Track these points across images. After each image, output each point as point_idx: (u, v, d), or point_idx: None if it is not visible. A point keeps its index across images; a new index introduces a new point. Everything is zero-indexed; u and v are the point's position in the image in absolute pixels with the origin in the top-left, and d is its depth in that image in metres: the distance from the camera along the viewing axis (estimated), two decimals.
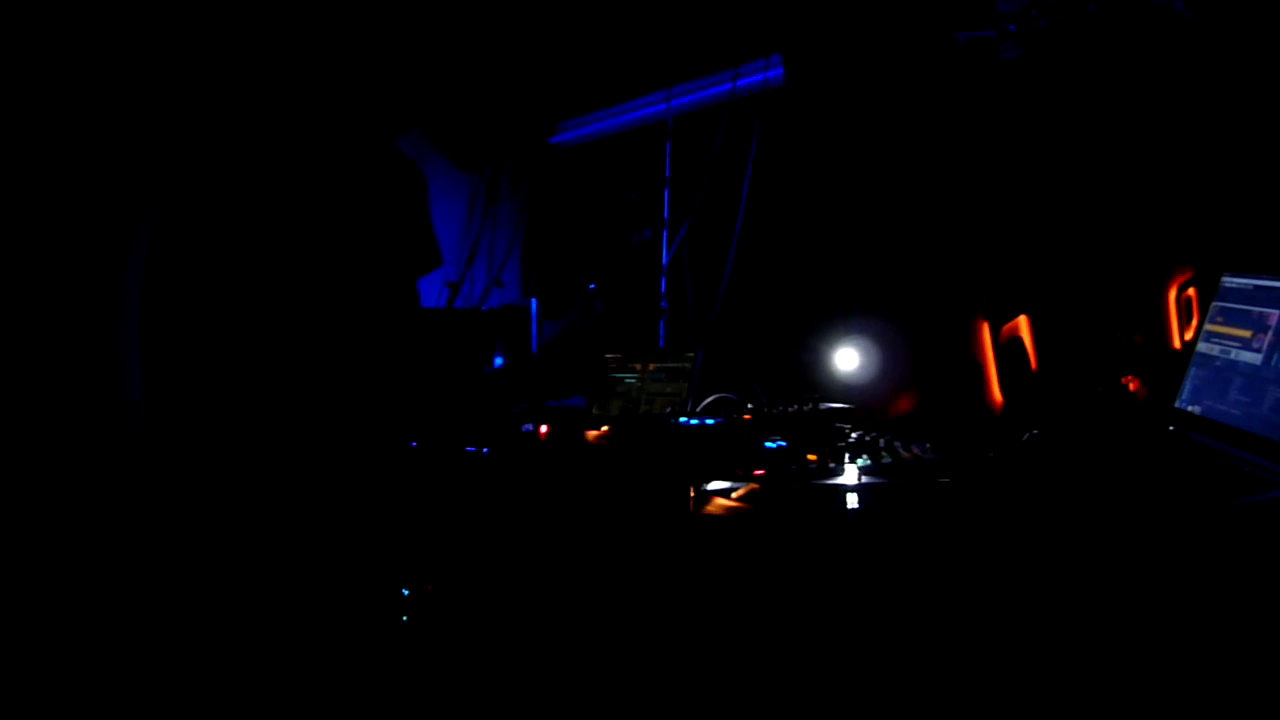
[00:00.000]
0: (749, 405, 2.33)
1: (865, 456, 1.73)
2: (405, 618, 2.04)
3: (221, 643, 1.58)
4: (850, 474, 1.62)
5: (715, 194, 2.93)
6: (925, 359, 2.34)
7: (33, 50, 2.14)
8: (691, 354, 2.43)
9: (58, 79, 2.21)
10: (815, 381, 2.45)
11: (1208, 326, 1.78)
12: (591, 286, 3.37)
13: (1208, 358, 1.75)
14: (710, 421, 2.09)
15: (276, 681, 1.61)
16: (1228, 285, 1.76)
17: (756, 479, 1.69)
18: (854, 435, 1.96)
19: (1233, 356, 1.67)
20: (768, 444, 1.92)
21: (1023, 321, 2.20)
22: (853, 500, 1.52)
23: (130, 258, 2.29)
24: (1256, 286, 1.67)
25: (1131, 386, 1.99)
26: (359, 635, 1.77)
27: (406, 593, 2.05)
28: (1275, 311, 1.59)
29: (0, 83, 2.11)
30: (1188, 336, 1.98)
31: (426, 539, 2.15)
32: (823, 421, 2.12)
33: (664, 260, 3.05)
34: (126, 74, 2.28)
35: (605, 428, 2.20)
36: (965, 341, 2.26)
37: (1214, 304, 1.78)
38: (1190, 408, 1.76)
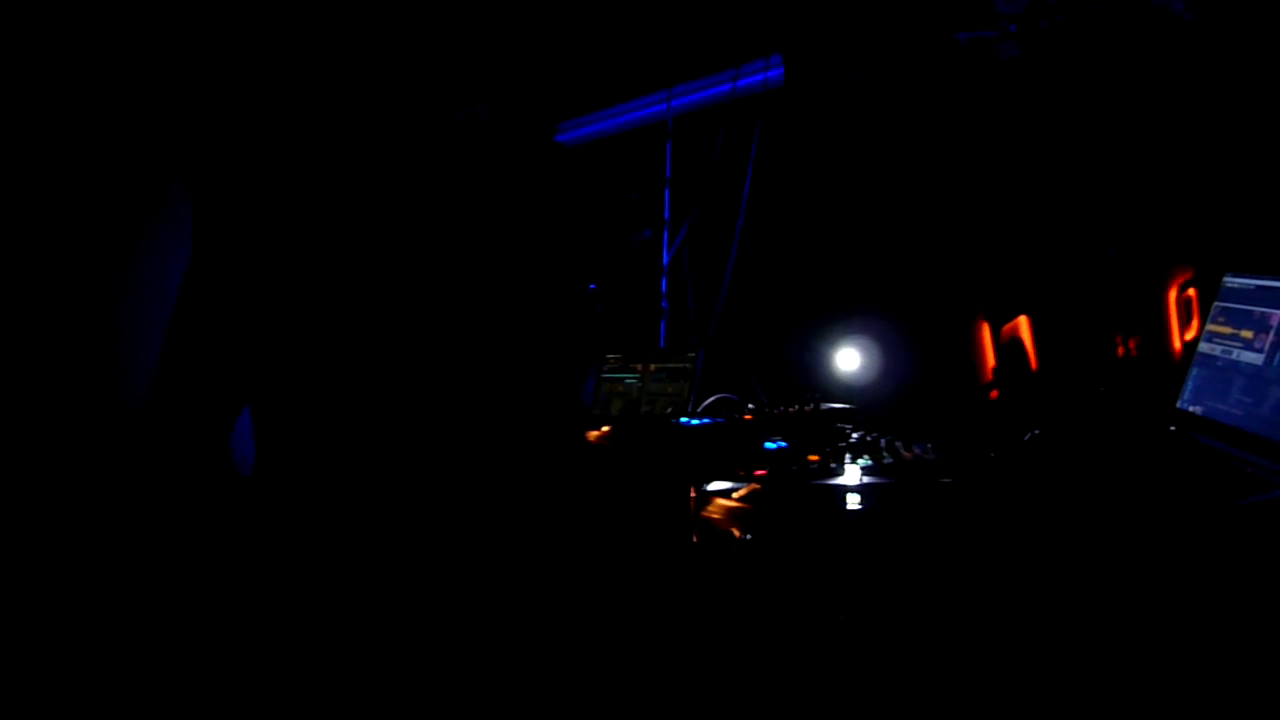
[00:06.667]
0: (750, 405, 2.33)
1: (866, 457, 1.73)
2: (405, 617, 2.03)
3: (223, 642, 1.58)
4: (852, 474, 1.62)
5: (716, 194, 2.93)
6: (926, 359, 2.34)
7: (37, 47, 2.13)
8: (693, 354, 2.42)
9: (62, 76, 2.21)
10: (816, 381, 2.45)
11: (1209, 327, 1.78)
12: (592, 286, 3.36)
13: (1209, 358, 1.75)
14: (711, 421, 2.09)
15: (276, 680, 1.61)
16: (1229, 285, 1.76)
17: (758, 479, 1.68)
18: (855, 435, 1.96)
19: (1234, 357, 1.67)
20: (769, 444, 1.92)
21: (1023, 321, 2.20)
22: (854, 501, 1.52)
23: (136, 254, 2.28)
24: (1258, 287, 1.67)
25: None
26: (359, 634, 1.77)
27: (406, 592, 2.05)
28: (1277, 312, 1.59)
29: (3, 79, 2.11)
30: (1188, 337, 1.98)
31: (428, 538, 2.15)
32: (824, 421, 2.12)
33: (664, 260, 3.05)
34: (133, 71, 2.27)
35: (606, 428, 2.20)
36: (966, 341, 2.26)
37: (1215, 304, 1.78)
38: (1192, 408, 1.76)
